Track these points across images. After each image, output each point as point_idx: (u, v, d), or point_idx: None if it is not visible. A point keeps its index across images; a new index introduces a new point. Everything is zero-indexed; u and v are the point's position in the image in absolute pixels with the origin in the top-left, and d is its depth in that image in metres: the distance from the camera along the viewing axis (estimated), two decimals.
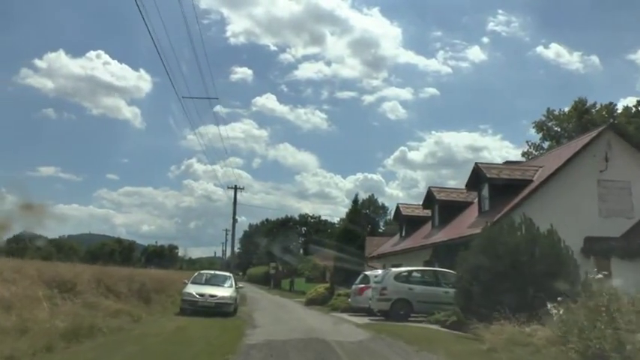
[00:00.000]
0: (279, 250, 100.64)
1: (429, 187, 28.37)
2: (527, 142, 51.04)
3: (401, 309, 17.74)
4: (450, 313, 15.04)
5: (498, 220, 17.20)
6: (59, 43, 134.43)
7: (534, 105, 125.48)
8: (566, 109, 49.31)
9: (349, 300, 22.11)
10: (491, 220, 16.90)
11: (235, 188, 41.80)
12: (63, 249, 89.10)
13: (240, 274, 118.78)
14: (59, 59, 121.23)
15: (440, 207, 27.44)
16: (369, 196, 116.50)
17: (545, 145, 48.13)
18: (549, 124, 50.69)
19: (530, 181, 21.35)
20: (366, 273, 22.02)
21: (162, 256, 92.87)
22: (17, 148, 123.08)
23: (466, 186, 24.29)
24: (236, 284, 19.79)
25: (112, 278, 17.09)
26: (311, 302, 28.64)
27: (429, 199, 28.07)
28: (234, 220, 41.17)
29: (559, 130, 50.24)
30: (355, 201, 29.91)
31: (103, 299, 14.29)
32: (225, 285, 19.08)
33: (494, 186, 21.85)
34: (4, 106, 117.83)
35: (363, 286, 20.90)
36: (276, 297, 41.68)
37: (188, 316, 17.13)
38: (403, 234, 32.36)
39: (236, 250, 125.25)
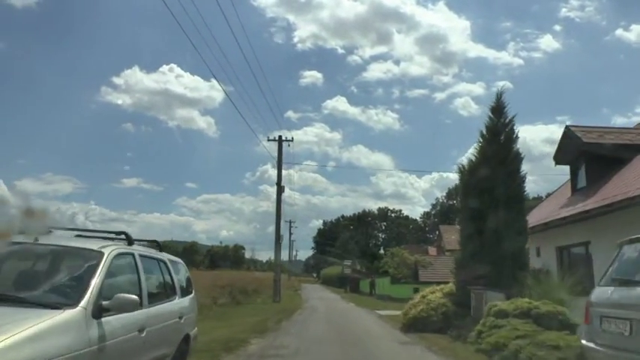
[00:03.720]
0: (356, 247, 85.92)
1: None
2: None
3: None
4: None
5: None
6: (134, 60, 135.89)
7: (615, 92, 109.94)
8: None
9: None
10: None
11: (280, 139, 26.77)
12: None
13: (315, 275, 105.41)
14: (134, 75, 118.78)
15: None
16: (455, 185, 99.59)
17: None
18: None
19: None
20: None
21: (226, 257, 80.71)
22: (102, 162, 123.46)
23: None
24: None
25: None
26: (415, 326, 12.69)
27: None
28: (280, 189, 26.06)
29: None
30: (499, 100, 13.60)
31: None
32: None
33: None
34: (88, 123, 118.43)
35: None
36: (349, 306, 25.92)
37: None
38: (584, 183, 15.20)
39: (309, 251, 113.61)
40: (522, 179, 13.09)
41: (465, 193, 13.31)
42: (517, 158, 13.16)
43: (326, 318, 17.98)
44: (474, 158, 13.33)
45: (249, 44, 78.30)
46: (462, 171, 13.43)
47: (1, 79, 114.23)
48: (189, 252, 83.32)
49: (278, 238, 25.47)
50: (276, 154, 26.56)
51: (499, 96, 13.75)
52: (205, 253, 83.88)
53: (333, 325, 15.37)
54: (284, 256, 79.98)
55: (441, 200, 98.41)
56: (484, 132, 13.50)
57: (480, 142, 13.49)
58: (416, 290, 34.50)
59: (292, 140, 27.85)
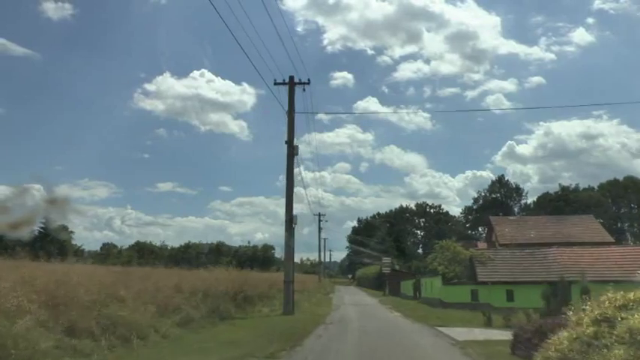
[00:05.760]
0: (393, 245, 77.26)
1: None
2: None
3: None
4: None
5: None
6: (165, 67, 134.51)
7: None
8: None
9: None
10: None
11: (291, 81, 18.57)
12: (144, 254, 74.95)
13: (350, 276, 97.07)
14: (166, 81, 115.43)
15: None
16: (499, 177, 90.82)
17: None
18: None
19: None
20: None
21: (254, 258, 73.86)
22: (137, 167, 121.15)
23: None
24: None
25: None
26: None
27: None
28: (291, 150, 18.03)
29: None
30: None
31: None
32: None
33: None
34: (123, 129, 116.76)
35: None
36: (393, 317, 17.80)
37: None
38: None
39: (344, 251, 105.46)
40: None
41: None
42: None
43: (361, 347, 9.86)
44: None
45: (281, 45, 71.75)
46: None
47: (39, 89, 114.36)
48: (215, 252, 76.90)
49: (291, 219, 17.32)
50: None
51: None
52: (233, 254, 77.10)
53: None
54: (313, 255, 72.65)
55: (483, 194, 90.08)
56: None
57: None
58: (474, 293, 26.47)
59: (309, 83, 19.67)
